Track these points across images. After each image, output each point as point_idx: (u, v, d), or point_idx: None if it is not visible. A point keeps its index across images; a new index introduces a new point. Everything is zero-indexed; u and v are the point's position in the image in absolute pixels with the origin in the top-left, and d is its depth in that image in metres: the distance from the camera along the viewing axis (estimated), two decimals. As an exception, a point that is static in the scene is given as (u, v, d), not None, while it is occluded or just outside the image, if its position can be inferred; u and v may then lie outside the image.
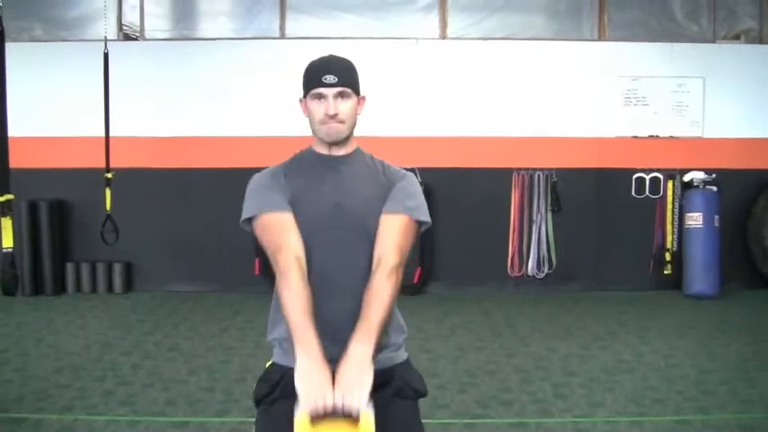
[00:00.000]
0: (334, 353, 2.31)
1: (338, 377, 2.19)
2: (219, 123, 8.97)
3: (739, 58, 9.13)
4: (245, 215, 2.55)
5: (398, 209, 2.53)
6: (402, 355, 2.64)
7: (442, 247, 8.93)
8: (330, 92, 2.52)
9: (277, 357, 2.58)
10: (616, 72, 9.05)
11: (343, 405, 2.16)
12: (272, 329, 2.60)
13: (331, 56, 2.63)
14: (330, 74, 2.53)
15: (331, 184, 2.58)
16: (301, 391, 2.17)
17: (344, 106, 2.55)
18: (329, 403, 2.16)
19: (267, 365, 2.63)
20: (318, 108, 2.55)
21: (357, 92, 2.61)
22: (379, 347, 2.34)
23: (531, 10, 9.51)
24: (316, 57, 2.61)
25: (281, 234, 2.46)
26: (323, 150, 2.64)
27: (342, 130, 2.57)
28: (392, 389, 2.52)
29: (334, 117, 2.53)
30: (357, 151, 2.69)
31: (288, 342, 2.44)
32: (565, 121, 9.05)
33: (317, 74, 2.54)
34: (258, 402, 2.59)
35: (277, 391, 2.49)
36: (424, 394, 2.65)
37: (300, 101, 2.64)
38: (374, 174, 2.64)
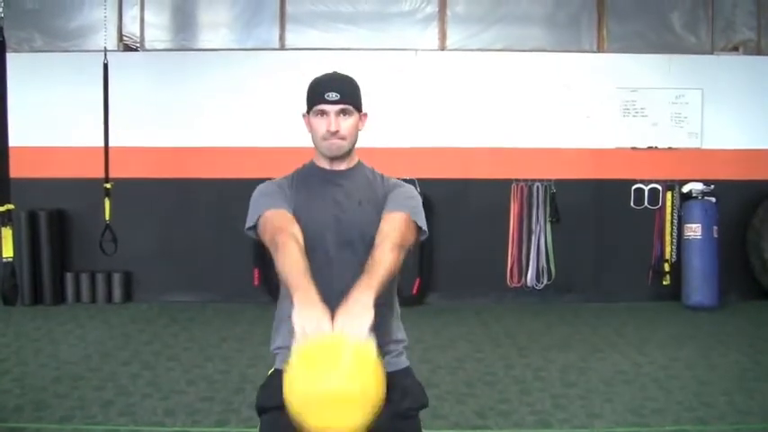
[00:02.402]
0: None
1: (338, 314, 2.19)
2: (219, 134, 8.99)
3: (737, 69, 9.17)
4: (249, 222, 2.60)
5: (399, 207, 2.58)
6: (403, 362, 2.67)
7: (441, 258, 8.94)
8: (332, 109, 2.57)
9: (279, 365, 2.57)
10: (615, 84, 9.08)
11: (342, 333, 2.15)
12: (275, 338, 2.62)
13: (334, 73, 2.68)
14: (333, 91, 2.58)
15: (332, 199, 2.62)
16: (298, 324, 2.16)
17: (346, 123, 2.60)
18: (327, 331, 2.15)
19: (269, 372, 2.63)
20: (320, 124, 2.60)
21: (359, 109, 2.66)
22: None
23: (530, 22, 9.53)
24: (319, 72, 2.66)
25: (283, 222, 2.51)
26: (325, 165, 2.69)
27: (343, 146, 2.62)
28: (393, 405, 2.52)
29: (335, 134, 2.58)
30: (359, 165, 2.74)
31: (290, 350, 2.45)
32: (564, 133, 9.07)
33: (319, 90, 2.60)
34: (261, 411, 2.59)
35: (280, 396, 2.47)
36: (424, 405, 2.66)
37: (304, 116, 2.69)
38: (374, 186, 2.68)
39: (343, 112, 2.59)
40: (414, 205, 2.62)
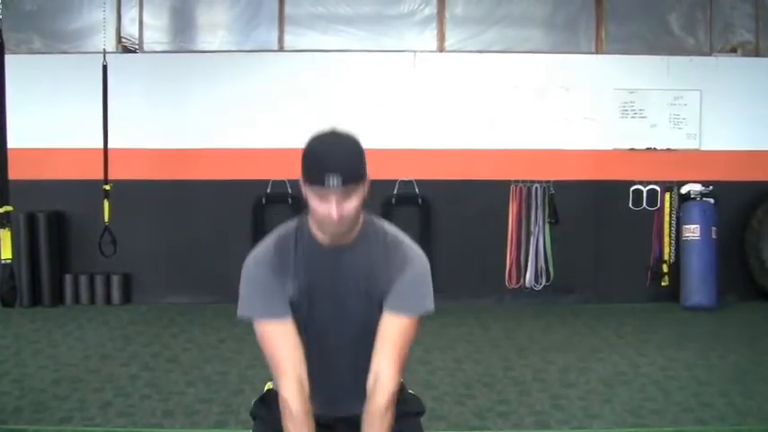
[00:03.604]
0: (331, 413, 2.49)
1: None
2: (218, 135, 8.99)
3: (736, 70, 9.17)
4: (240, 312, 2.44)
5: (400, 309, 2.42)
6: None
7: (440, 260, 8.90)
8: (333, 193, 2.25)
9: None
10: (613, 85, 9.08)
11: None
12: None
13: (333, 144, 2.31)
14: (334, 173, 2.22)
15: (333, 289, 2.43)
16: None
17: (350, 206, 2.29)
18: None
19: (266, 387, 2.65)
20: (319, 207, 2.29)
21: (363, 178, 2.33)
22: None
23: (528, 23, 9.55)
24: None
25: (283, 350, 2.38)
26: (324, 240, 2.42)
27: (345, 229, 2.36)
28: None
29: (338, 219, 2.29)
30: (363, 233, 2.46)
31: None
32: (562, 134, 9.07)
33: (317, 170, 2.24)
34: (254, 417, 2.63)
35: (275, 415, 2.48)
36: (421, 413, 2.67)
37: (301, 182, 2.33)
38: (379, 262, 2.44)
39: (347, 193, 2.26)
40: (417, 302, 2.46)
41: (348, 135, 2.33)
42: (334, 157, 2.25)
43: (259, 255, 2.44)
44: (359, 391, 2.43)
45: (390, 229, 2.52)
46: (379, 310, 2.44)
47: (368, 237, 2.45)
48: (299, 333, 2.42)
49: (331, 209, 2.25)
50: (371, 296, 2.43)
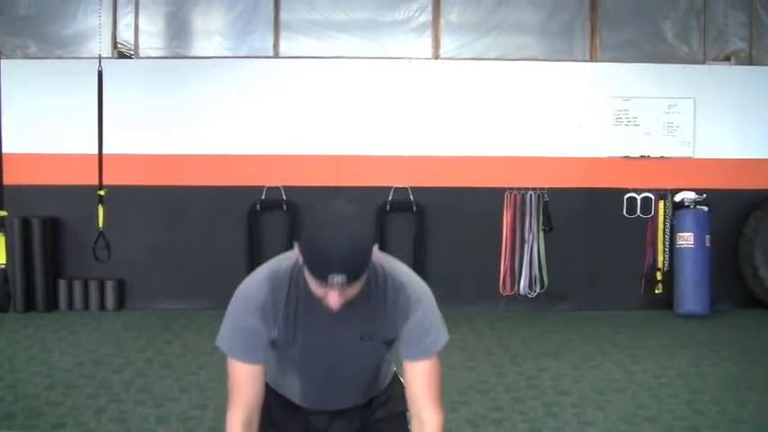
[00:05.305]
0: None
1: None
2: (213, 141, 8.99)
3: (729, 79, 9.21)
4: (218, 343, 2.43)
5: (419, 355, 2.40)
6: (387, 379, 2.69)
7: (435, 267, 8.94)
8: (336, 288, 2.17)
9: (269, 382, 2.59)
10: (607, 93, 9.11)
11: None
12: None
13: (337, 236, 2.13)
14: (338, 273, 2.11)
15: (326, 334, 2.38)
16: None
17: (352, 292, 2.21)
18: None
19: None
20: (319, 291, 2.21)
21: (368, 267, 2.22)
22: None
23: (523, 31, 9.57)
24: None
25: (243, 388, 2.40)
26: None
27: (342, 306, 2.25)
28: (391, 406, 2.60)
29: (339, 308, 2.23)
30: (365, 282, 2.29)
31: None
32: (556, 141, 9.09)
33: (321, 267, 2.13)
34: None
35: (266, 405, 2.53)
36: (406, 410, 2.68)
37: (299, 261, 2.25)
38: (380, 309, 2.38)
39: (350, 285, 2.17)
40: (434, 340, 2.40)
41: (352, 218, 2.21)
42: (338, 254, 2.10)
43: (250, 294, 2.39)
44: (357, 392, 2.53)
45: (388, 265, 2.42)
46: (382, 347, 2.44)
47: (368, 287, 2.33)
48: (290, 365, 2.47)
49: (332, 299, 2.19)
50: (373, 338, 2.40)
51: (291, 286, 2.36)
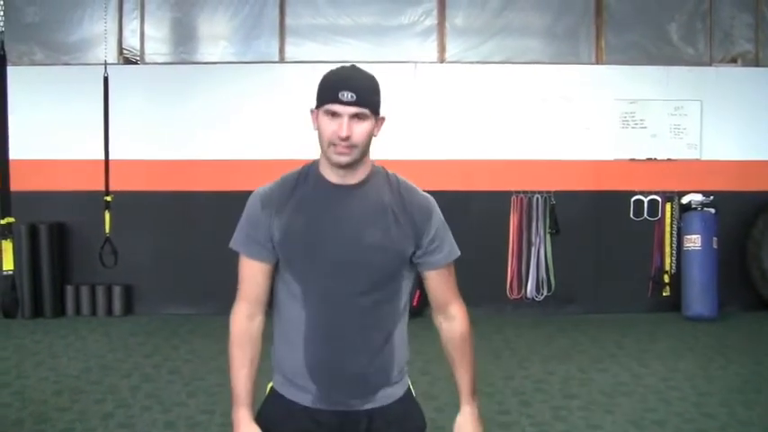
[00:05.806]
0: (335, 372, 2.40)
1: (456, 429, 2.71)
2: (219, 147, 9.01)
3: (736, 81, 9.20)
4: (231, 244, 2.49)
5: (441, 262, 2.51)
6: (401, 388, 2.59)
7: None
8: (345, 111, 2.25)
9: (277, 385, 2.51)
10: (613, 95, 9.11)
11: None
12: (274, 353, 2.54)
13: (353, 67, 2.39)
14: (348, 90, 2.25)
15: (337, 232, 2.35)
16: None
17: (359, 129, 2.28)
18: None
19: (268, 387, 2.59)
20: (330, 126, 2.27)
21: (377, 112, 2.34)
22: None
23: (528, 34, 9.57)
24: (336, 66, 2.38)
25: (247, 283, 2.47)
26: (332, 177, 2.38)
27: (352, 155, 2.30)
28: (397, 427, 2.51)
29: (345, 139, 2.26)
30: (373, 176, 2.43)
31: (283, 376, 2.49)
32: (563, 144, 9.09)
33: (333, 87, 2.28)
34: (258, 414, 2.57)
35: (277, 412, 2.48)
36: (423, 428, 2.65)
37: (312, 111, 2.37)
38: (392, 209, 2.41)
39: (358, 116, 2.26)
40: (450, 248, 2.53)
41: (367, 71, 2.39)
42: (351, 78, 2.32)
43: (260, 190, 2.47)
44: (366, 350, 2.41)
45: (400, 176, 2.57)
46: (389, 256, 2.38)
47: (378, 179, 2.46)
48: (300, 284, 2.39)
49: (341, 126, 2.25)
50: (381, 241, 2.36)
51: (300, 179, 2.44)
